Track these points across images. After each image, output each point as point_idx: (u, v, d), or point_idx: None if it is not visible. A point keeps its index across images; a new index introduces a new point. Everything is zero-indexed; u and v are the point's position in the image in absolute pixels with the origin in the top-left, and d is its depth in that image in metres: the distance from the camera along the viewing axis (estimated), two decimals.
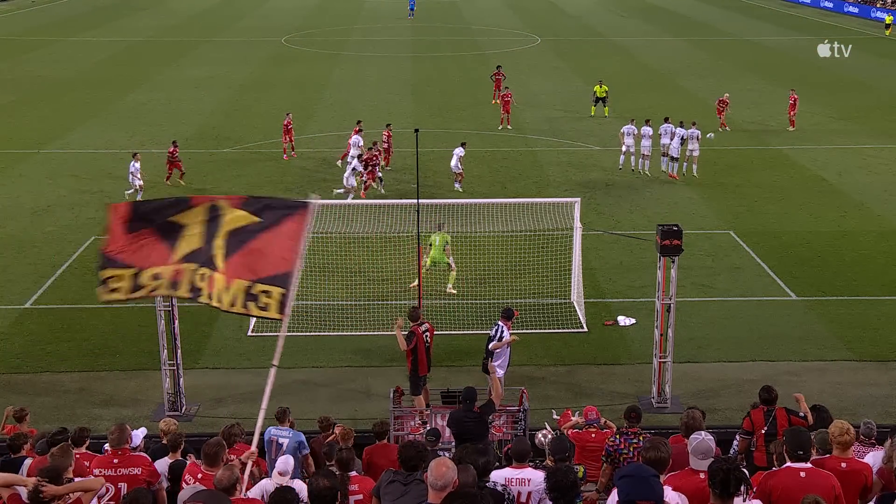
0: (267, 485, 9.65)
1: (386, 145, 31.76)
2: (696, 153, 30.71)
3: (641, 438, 11.08)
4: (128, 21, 73.23)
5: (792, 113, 37.92)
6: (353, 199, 28.17)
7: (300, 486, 9.85)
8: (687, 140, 30.66)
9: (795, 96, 37.97)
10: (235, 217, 9.60)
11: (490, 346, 16.16)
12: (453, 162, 29.70)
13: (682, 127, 30.98)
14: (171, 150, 30.21)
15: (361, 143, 30.53)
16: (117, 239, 9.65)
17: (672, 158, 31.09)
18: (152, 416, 16.63)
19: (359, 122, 32.48)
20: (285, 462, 10.63)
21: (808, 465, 8.08)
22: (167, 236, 9.62)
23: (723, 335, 20.23)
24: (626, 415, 11.51)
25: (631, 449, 10.95)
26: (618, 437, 11.15)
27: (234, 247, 9.51)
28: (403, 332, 16.19)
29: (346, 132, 37.85)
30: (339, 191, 28.89)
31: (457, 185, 29.77)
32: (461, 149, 29.67)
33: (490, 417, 13.41)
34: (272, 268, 9.42)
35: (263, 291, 9.35)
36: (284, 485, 8.81)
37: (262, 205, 9.80)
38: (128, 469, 9.64)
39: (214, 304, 9.52)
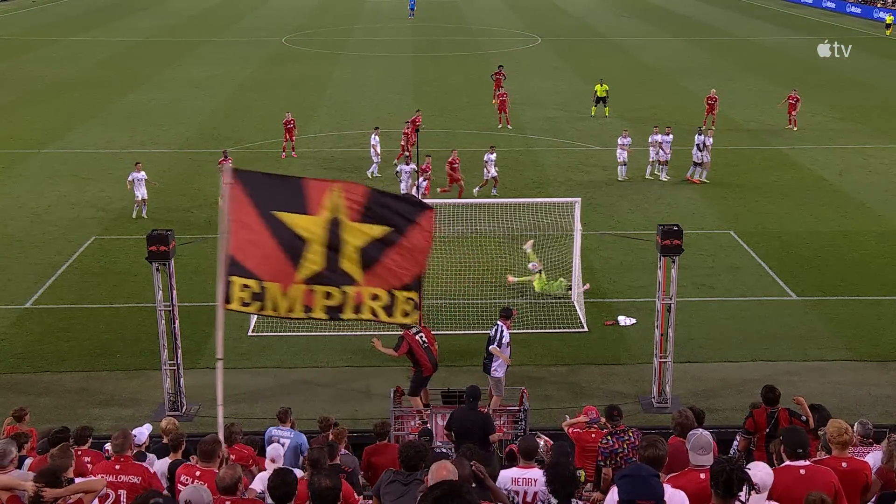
0: (266, 476, 9.71)
1: (408, 131, 32.36)
2: (705, 159, 30.71)
3: (631, 433, 11.25)
4: (128, 21, 73.27)
5: (793, 112, 37.87)
6: None
7: (297, 475, 10.02)
8: (703, 148, 30.57)
9: (797, 97, 37.95)
10: (360, 231, 9.67)
11: (490, 348, 16.13)
12: (485, 168, 29.40)
13: (699, 134, 30.93)
14: (222, 160, 28.39)
15: (377, 144, 30.84)
16: (240, 224, 9.51)
17: (694, 164, 30.98)
18: (153, 416, 16.61)
19: (418, 110, 34.38)
20: (275, 449, 10.70)
21: (808, 462, 8.09)
22: (289, 249, 9.56)
23: (723, 335, 20.22)
24: (609, 414, 11.63)
25: (625, 446, 11.03)
26: (609, 437, 11.19)
27: (372, 259, 9.71)
28: (389, 347, 16.08)
29: (347, 132, 37.97)
30: None
31: (493, 190, 29.40)
32: (490, 154, 29.32)
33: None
34: (410, 275, 9.82)
35: (408, 298, 9.84)
36: (282, 467, 8.82)
37: (384, 208, 9.81)
38: (128, 477, 9.66)
39: (365, 317, 9.86)
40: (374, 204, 9.77)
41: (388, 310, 9.86)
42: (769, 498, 7.51)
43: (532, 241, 22.65)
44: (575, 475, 7.59)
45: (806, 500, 7.21)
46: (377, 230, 9.68)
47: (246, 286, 9.48)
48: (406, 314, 9.94)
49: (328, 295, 9.69)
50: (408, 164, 27.72)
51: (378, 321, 10.04)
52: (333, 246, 9.63)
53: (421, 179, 26.91)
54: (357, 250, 9.66)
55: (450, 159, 28.73)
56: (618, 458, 10.94)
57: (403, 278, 9.81)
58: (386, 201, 9.91)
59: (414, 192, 26.29)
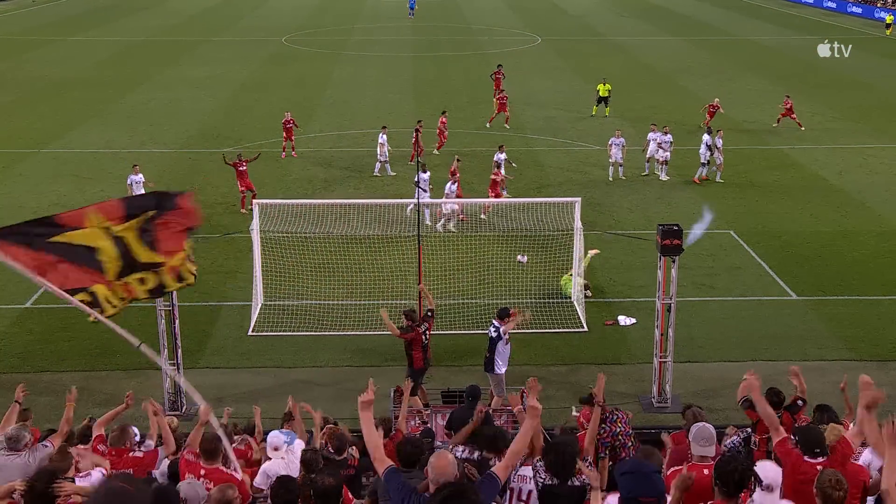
0: (269, 470, 9.79)
1: (438, 131, 33.65)
2: (719, 160, 30.91)
3: (618, 412, 11.73)
4: (128, 21, 73.25)
5: (793, 116, 37.83)
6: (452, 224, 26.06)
7: (299, 445, 10.58)
8: (713, 148, 30.70)
9: (790, 101, 38.03)
10: (130, 226, 10.07)
11: (502, 329, 16.18)
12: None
13: (708, 134, 31.06)
14: (235, 162, 27.69)
15: (385, 143, 30.82)
16: (35, 264, 9.70)
17: (702, 164, 31.06)
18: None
19: (444, 111, 35.11)
20: (277, 437, 10.74)
21: (825, 459, 8.10)
22: (85, 260, 9.84)
23: (723, 335, 20.23)
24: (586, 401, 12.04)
25: (620, 424, 11.57)
26: (604, 424, 11.35)
27: (150, 236, 10.09)
28: (399, 325, 16.49)
29: (347, 132, 37.98)
30: (440, 224, 26.20)
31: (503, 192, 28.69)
32: (500, 154, 29.07)
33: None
34: (179, 241, 10.29)
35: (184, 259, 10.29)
36: (284, 474, 8.91)
37: (142, 200, 10.50)
38: (120, 469, 9.69)
39: (189, 280, 10.43)
40: (131, 206, 10.26)
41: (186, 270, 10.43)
42: (783, 496, 7.51)
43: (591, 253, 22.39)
44: (575, 456, 7.66)
45: (818, 478, 7.23)
46: (141, 218, 10.17)
47: (83, 297, 9.89)
48: (190, 272, 10.48)
49: (142, 280, 10.14)
50: (424, 172, 27.10)
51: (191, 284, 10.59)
52: (120, 244, 10.03)
53: (450, 184, 26.21)
54: (136, 238, 10.08)
55: (494, 172, 27.56)
56: (620, 437, 11.16)
57: (177, 245, 10.29)
58: (141, 197, 10.81)
59: (446, 199, 25.72)
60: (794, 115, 37.84)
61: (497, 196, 26.67)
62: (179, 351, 16.91)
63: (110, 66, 53.27)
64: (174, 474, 10.19)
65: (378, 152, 31.21)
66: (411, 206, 25.74)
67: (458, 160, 28.10)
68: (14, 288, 22.54)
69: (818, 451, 8.09)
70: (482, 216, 26.76)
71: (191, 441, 9.81)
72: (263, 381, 18.28)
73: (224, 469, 9.30)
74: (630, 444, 11.70)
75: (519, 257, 23.04)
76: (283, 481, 7.89)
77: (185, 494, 7.60)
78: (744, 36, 66.39)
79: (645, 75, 50.85)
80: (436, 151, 33.51)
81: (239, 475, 9.38)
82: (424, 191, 25.82)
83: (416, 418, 15.15)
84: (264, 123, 38.46)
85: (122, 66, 53.14)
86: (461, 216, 26.39)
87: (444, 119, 34.51)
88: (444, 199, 25.86)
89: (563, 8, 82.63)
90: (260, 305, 21.05)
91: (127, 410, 11.87)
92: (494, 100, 39.75)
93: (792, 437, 8.61)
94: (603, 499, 7.71)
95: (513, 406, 11.00)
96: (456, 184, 26.24)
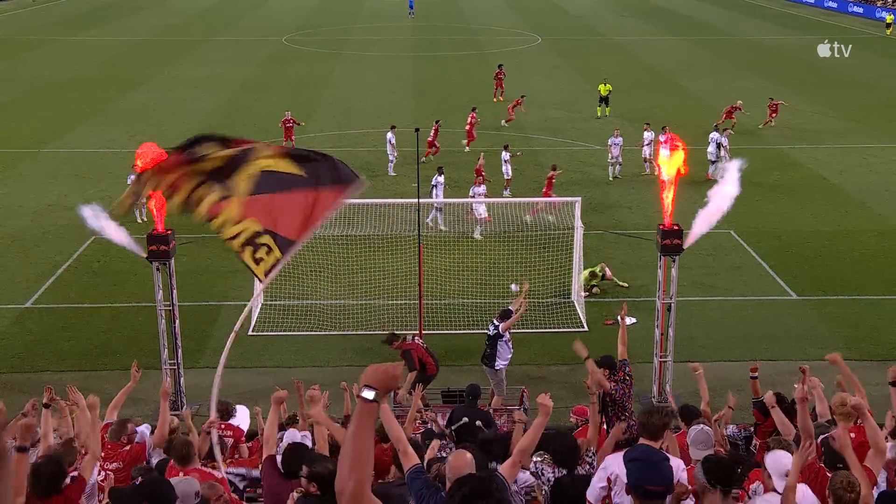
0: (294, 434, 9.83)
1: (469, 126, 33.97)
2: (725, 159, 31.09)
3: (627, 377, 12.00)
4: (128, 21, 73.23)
5: (772, 115, 38.31)
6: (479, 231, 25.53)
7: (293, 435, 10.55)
8: (721, 145, 30.85)
9: (776, 103, 38.29)
10: (276, 160, 8.92)
11: (501, 327, 16.17)
12: (503, 168, 29.11)
13: (716, 132, 31.19)
14: None
15: (394, 141, 30.75)
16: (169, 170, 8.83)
17: (711, 162, 31.13)
18: (152, 415, 16.61)
19: (474, 108, 35.23)
20: (292, 435, 10.80)
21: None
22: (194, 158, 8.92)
23: (723, 335, 20.23)
24: (611, 364, 12.31)
25: (627, 389, 11.97)
26: (618, 385, 11.46)
27: (266, 187, 8.85)
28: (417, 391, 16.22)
29: (347, 132, 37.95)
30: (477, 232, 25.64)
31: (505, 192, 28.72)
32: (505, 153, 29.21)
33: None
34: (288, 228, 8.89)
35: (267, 245, 8.89)
36: (298, 441, 8.94)
37: (309, 160, 9.12)
38: (111, 462, 9.79)
39: (214, 228, 9.08)
40: (300, 152, 9.22)
41: (239, 237, 9.02)
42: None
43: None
44: (576, 446, 7.67)
45: (831, 480, 7.24)
46: (294, 168, 8.91)
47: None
48: (257, 260, 9.01)
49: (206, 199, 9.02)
50: (440, 175, 26.73)
51: (222, 238, 9.24)
52: (239, 159, 8.90)
53: (475, 187, 25.91)
54: (259, 172, 8.89)
55: (550, 175, 27.26)
56: (623, 401, 11.70)
57: (279, 226, 8.90)
58: (313, 156, 9.23)
59: (478, 209, 25.30)
60: (774, 115, 38.29)
61: (547, 196, 26.34)
62: (179, 351, 16.91)
63: (110, 66, 53.26)
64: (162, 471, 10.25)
65: (389, 151, 31.22)
66: (432, 215, 25.72)
67: (482, 157, 28.08)
68: (14, 287, 22.56)
69: (840, 466, 8.11)
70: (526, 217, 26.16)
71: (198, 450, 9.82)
72: (263, 381, 18.26)
73: (202, 468, 9.34)
74: (629, 406, 11.76)
75: (512, 287, 22.98)
76: (294, 448, 7.89)
77: (179, 491, 7.65)
78: (744, 36, 66.36)
79: (645, 75, 50.83)
80: (466, 148, 33.75)
81: (219, 473, 9.42)
82: (438, 195, 25.94)
83: (417, 418, 15.14)
84: (264, 123, 38.42)
85: (122, 66, 53.13)
86: (487, 218, 26.15)
87: (473, 115, 34.49)
88: (471, 199, 25.71)
89: (563, 8, 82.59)
90: (260, 305, 21.05)
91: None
92: (500, 98, 39.77)
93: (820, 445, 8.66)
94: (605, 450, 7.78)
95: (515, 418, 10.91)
96: (483, 185, 26.10)
